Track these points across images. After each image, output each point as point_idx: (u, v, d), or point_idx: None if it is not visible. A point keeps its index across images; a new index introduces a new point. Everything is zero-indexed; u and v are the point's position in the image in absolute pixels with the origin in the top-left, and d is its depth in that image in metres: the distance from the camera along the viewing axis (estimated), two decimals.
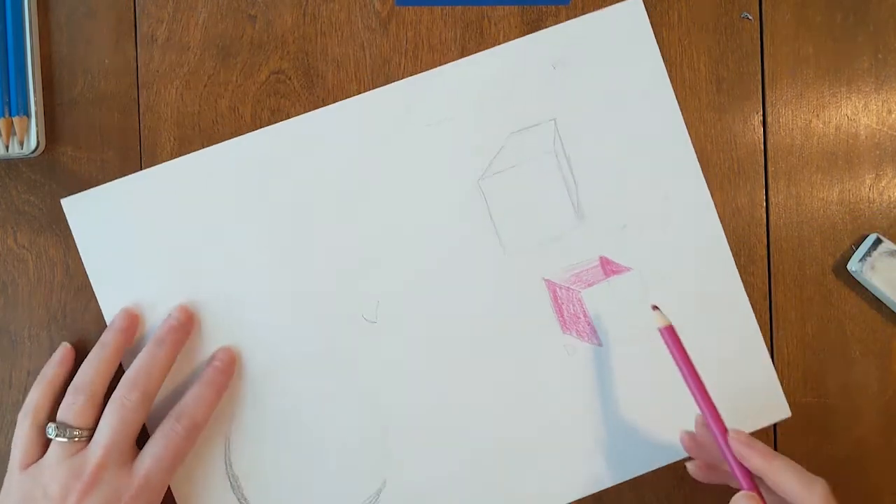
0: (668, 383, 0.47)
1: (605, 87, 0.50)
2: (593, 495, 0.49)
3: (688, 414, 0.45)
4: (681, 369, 0.45)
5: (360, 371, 0.49)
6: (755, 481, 0.42)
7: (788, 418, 0.50)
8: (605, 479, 0.49)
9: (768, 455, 0.42)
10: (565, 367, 0.49)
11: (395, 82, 0.50)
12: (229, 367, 0.48)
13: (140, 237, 0.49)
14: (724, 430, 0.43)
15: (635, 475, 0.49)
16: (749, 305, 0.50)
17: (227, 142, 0.49)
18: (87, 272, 0.49)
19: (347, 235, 0.49)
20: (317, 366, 0.49)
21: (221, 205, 0.49)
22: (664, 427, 0.49)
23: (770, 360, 0.50)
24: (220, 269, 0.49)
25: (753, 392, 0.49)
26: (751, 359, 0.50)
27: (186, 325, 0.48)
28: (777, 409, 0.50)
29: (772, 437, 0.50)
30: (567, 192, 0.50)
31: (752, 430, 0.49)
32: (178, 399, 0.48)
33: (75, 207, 0.49)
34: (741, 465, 0.42)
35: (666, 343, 0.45)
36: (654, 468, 0.49)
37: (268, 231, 0.49)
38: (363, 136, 0.49)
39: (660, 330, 0.45)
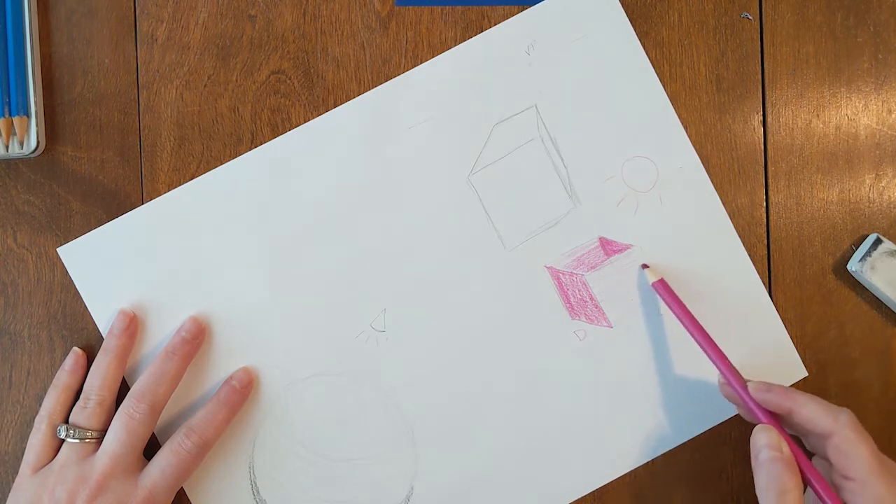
0: (682, 356, 0.48)
1: (581, 65, 0.49)
2: (593, 494, 0.49)
3: (705, 383, 0.47)
4: (682, 322, 0.46)
5: (376, 381, 0.49)
6: (778, 421, 0.43)
7: None
8: (633, 461, 0.49)
9: (789, 393, 0.43)
10: (578, 354, 0.49)
11: (368, 91, 0.49)
12: (246, 387, 0.48)
13: (142, 273, 0.49)
14: (737, 376, 0.45)
15: (662, 452, 0.49)
16: (753, 268, 0.50)
17: (214, 170, 0.49)
18: (91, 314, 0.49)
19: (346, 248, 0.49)
20: (333, 381, 0.49)
21: (217, 231, 0.49)
22: (684, 400, 0.49)
23: (780, 321, 0.50)
24: (225, 292, 0.49)
25: (767, 355, 0.50)
26: (761, 322, 0.50)
27: (197, 337, 0.48)
28: (793, 369, 0.50)
29: None
30: (558, 176, 0.50)
31: None
32: (189, 410, 0.48)
33: (72, 254, 0.49)
34: (759, 406, 0.44)
35: (662, 297, 0.47)
36: (679, 443, 0.49)
37: (267, 253, 0.49)
38: (348, 149, 0.49)
39: (653, 285, 0.47)
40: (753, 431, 0.43)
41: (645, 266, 0.49)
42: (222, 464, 0.49)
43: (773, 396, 0.43)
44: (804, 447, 0.45)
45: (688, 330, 0.46)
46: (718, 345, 0.45)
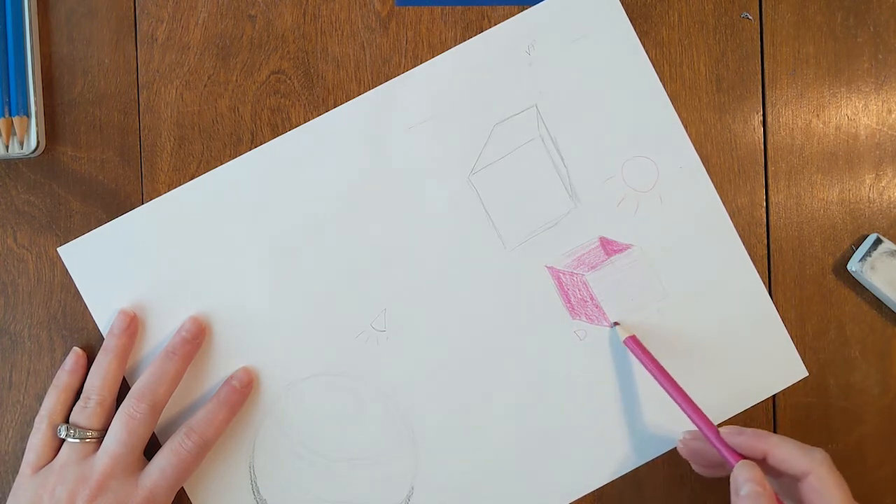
0: (681, 356, 0.48)
1: (581, 65, 0.49)
2: (594, 493, 0.49)
3: (701, 385, 0.47)
4: (654, 376, 0.46)
5: (376, 381, 0.49)
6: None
7: (788, 419, 0.50)
8: (633, 461, 0.49)
9: (762, 435, 0.43)
10: (579, 353, 0.49)
11: (368, 91, 0.49)
12: (246, 387, 0.48)
13: (142, 273, 0.49)
14: (710, 424, 0.44)
15: (662, 452, 0.49)
16: (753, 268, 0.50)
17: (214, 170, 0.49)
18: (92, 314, 0.49)
19: (346, 248, 0.49)
20: (333, 381, 0.49)
21: (217, 231, 0.49)
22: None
23: (780, 321, 0.50)
24: (225, 293, 0.49)
25: (767, 355, 0.50)
26: (760, 322, 0.50)
27: (198, 336, 0.48)
28: (793, 369, 0.50)
29: None
30: (558, 175, 0.50)
31: (771, 393, 0.50)
32: (189, 410, 0.48)
33: (72, 254, 0.49)
34: (733, 451, 0.43)
35: (634, 353, 0.47)
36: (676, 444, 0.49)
37: (267, 253, 0.49)
38: (348, 149, 0.49)
39: (624, 342, 0.48)
40: (735, 467, 0.42)
41: (616, 324, 0.49)
42: (222, 464, 0.49)
43: (746, 439, 0.43)
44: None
45: (660, 383, 0.46)
46: (690, 395, 0.45)
